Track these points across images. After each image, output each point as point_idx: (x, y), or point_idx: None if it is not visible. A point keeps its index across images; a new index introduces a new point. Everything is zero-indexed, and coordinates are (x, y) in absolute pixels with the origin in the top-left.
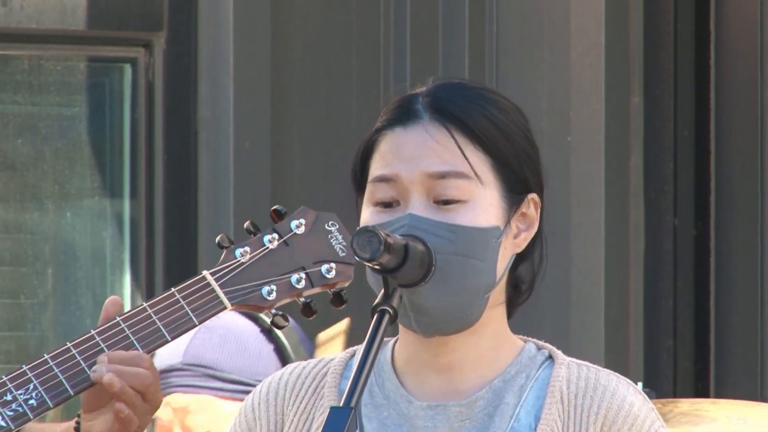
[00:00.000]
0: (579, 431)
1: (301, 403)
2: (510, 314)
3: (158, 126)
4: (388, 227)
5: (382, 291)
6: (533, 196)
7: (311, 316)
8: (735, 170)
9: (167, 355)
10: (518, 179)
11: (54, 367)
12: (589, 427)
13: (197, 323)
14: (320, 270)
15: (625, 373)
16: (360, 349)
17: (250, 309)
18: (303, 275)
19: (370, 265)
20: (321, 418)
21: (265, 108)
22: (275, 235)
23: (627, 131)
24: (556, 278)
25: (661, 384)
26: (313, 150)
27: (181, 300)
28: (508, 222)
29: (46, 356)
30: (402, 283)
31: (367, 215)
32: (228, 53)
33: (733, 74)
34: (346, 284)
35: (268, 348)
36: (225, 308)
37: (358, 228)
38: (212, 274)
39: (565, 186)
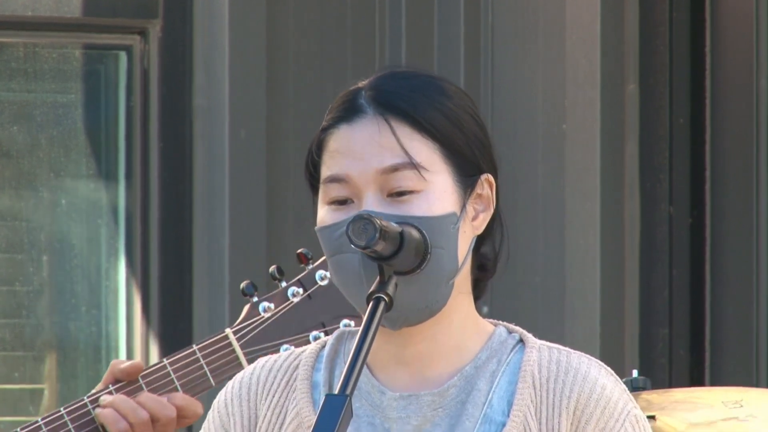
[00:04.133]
0: (551, 415)
1: (273, 396)
2: (478, 295)
3: (153, 114)
4: (341, 227)
5: (377, 278)
6: (486, 176)
7: None
8: (730, 159)
9: None
10: (469, 162)
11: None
12: (561, 411)
13: (214, 384)
14: (339, 326)
15: (620, 361)
16: (329, 339)
17: None
18: (322, 333)
19: (366, 252)
20: (294, 410)
21: (261, 96)
22: (300, 289)
23: (622, 120)
24: (551, 268)
25: (657, 373)
26: (308, 139)
27: (201, 359)
28: (463, 206)
29: (64, 412)
30: (397, 270)
31: (323, 214)
32: (223, 41)
33: (728, 63)
34: None
35: None
36: (243, 368)
37: (353, 215)
38: (235, 332)
39: (560, 175)
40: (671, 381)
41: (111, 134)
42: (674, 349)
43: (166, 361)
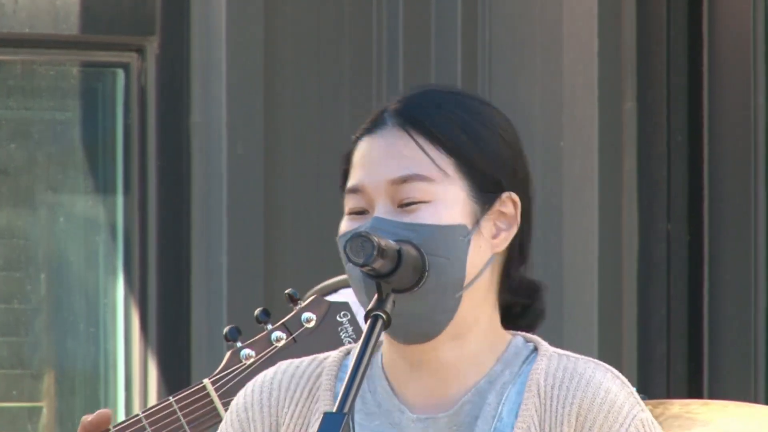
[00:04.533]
0: (555, 423)
1: (296, 405)
2: (519, 324)
3: (151, 131)
4: (353, 231)
5: (376, 296)
6: (509, 194)
7: None
8: (728, 176)
9: None
10: (488, 179)
11: None
12: (564, 419)
13: None
14: None
15: None
16: (354, 350)
17: None
18: None
19: (364, 270)
20: (317, 423)
21: (258, 113)
22: (283, 335)
23: (620, 137)
24: (549, 284)
25: (655, 389)
26: (305, 155)
27: (178, 411)
28: (477, 221)
29: None
30: (395, 288)
31: (342, 224)
32: (220, 58)
33: (726, 80)
34: None
35: None
36: (221, 420)
37: (351, 233)
38: (213, 382)
39: (558, 191)
40: (669, 397)
41: (109, 151)
42: (672, 365)
43: (141, 414)
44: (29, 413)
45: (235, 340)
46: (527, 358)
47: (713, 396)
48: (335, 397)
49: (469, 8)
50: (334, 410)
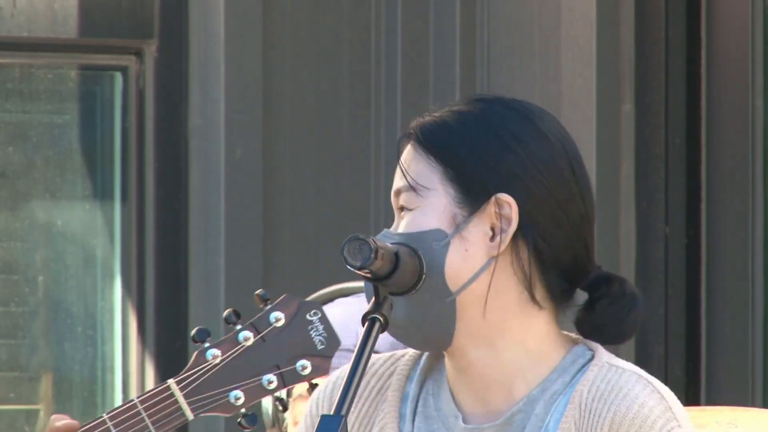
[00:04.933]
0: None
1: (364, 404)
2: (585, 325)
3: (149, 134)
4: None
5: (373, 299)
6: (501, 196)
7: (284, 411)
8: (726, 178)
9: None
10: (474, 183)
11: None
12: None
13: None
14: (295, 367)
15: None
16: (424, 355)
17: (218, 414)
18: (275, 376)
19: (361, 273)
20: (380, 423)
21: (257, 116)
22: (250, 334)
23: (618, 139)
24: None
25: None
26: (304, 158)
27: (142, 412)
28: (458, 226)
29: None
30: (393, 291)
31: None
32: (219, 61)
33: (724, 82)
34: (324, 377)
35: None
36: (187, 420)
37: (350, 236)
38: (178, 382)
39: None
40: None
41: (107, 154)
42: (670, 368)
43: (105, 416)
44: (27, 416)
45: (204, 341)
46: (582, 367)
47: (711, 398)
48: (405, 399)
49: (468, 11)
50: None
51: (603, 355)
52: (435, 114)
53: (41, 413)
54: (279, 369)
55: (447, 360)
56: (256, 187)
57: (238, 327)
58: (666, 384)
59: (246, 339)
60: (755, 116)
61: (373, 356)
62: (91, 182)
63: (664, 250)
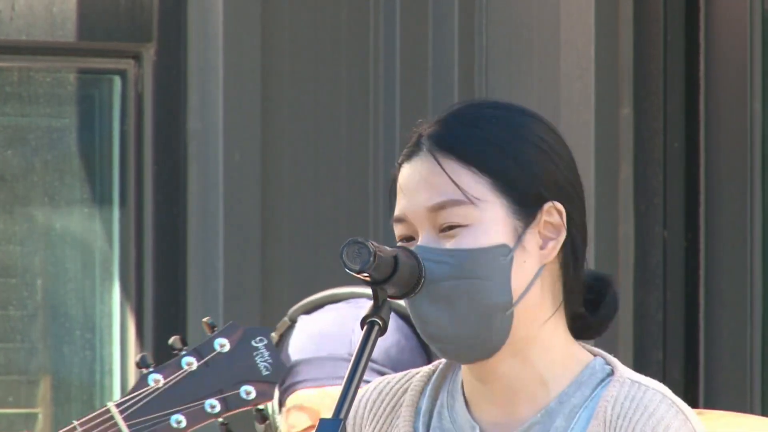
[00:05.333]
0: None
1: (379, 421)
2: (588, 324)
3: (147, 137)
4: (350, 239)
5: (372, 303)
6: (552, 204)
7: (263, 423)
8: (725, 182)
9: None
10: (527, 194)
11: None
12: None
13: None
14: (238, 392)
15: None
16: (440, 366)
17: None
18: (218, 401)
19: (360, 276)
20: None
21: (255, 119)
22: (193, 359)
23: (617, 143)
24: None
25: None
26: (303, 162)
27: None
28: (519, 237)
29: None
30: (392, 294)
31: None
32: (217, 64)
33: (723, 86)
34: (269, 402)
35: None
36: None
37: (348, 240)
38: (118, 405)
39: None
40: None
41: (105, 158)
42: (668, 372)
43: None
44: (25, 419)
45: (147, 367)
46: (602, 381)
47: (709, 403)
48: (417, 414)
49: (466, 15)
50: (410, 425)
51: (623, 369)
52: (449, 122)
53: (40, 417)
54: (222, 393)
55: (467, 372)
56: (255, 191)
57: (183, 353)
58: None
59: (189, 364)
60: (754, 120)
61: (387, 376)
62: (89, 186)
63: (662, 254)
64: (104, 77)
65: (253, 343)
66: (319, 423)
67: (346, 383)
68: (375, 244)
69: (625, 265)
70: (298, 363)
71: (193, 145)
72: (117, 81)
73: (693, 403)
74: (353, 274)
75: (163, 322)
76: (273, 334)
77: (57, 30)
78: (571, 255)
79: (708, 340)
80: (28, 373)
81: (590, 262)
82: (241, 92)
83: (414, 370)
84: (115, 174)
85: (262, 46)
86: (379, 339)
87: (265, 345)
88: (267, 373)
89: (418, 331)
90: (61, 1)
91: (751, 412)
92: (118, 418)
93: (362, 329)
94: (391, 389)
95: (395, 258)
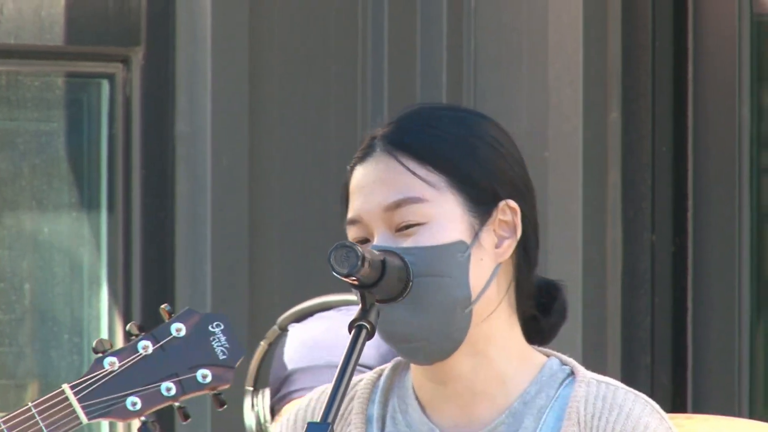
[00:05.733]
0: None
1: None
2: (539, 327)
3: (136, 141)
4: (338, 243)
5: (360, 306)
6: (507, 202)
7: (186, 420)
8: (712, 187)
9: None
10: (483, 190)
11: None
12: None
13: None
14: (195, 376)
15: None
16: (388, 366)
17: (114, 420)
18: (174, 383)
19: (348, 280)
20: None
21: (243, 123)
22: (149, 342)
23: (605, 148)
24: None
25: None
26: (291, 166)
27: (36, 415)
28: (476, 234)
29: None
30: (380, 298)
31: None
32: (206, 68)
33: (711, 91)
34: (226, 387)
35: None
36: (81, 423)
37: (336, 244)
38: (73, 387)
39: (542, 203)
40: None
41: (93, 162)
42: (656, 378)
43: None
44: None
45: (103, 352)
46: (563, 381)
47: (697, 407)
48: (369, 421)
49: (455, 19)
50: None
51: (583, 369)
52: (404, 122)
53: None
54: (178, 377)
55: (422, 375)
56: (243, 195)
57: (139, 337)
58: (652, 393)
59: (145, 348)
60: (742, 125)
61: (328, 385)
62: (77, 190)
63: (650, 259)
64: (92, 81)
65: (210, 328)
66: (308, 427)
67: (334, 387)
68: (363, 247)
69: (613, 270)
70: (293, 372)
71: (182, 148)
72: (105, 85)
73: (681, 408)
74: (341, 277)
75: (151, 326)
76: (263, 342)
77: (45, 34)
78: (524, 255)
79: (696, 345)
80: (15, 378)
81: (578, 268)
82: (230, 96)
83: (355, 378)
84: (103, 178)
85: (250, 50)
86: (377, 344)
87: (222, 330)
88: (224, 357)
89: (379, 332)
90: (49, 5)
91: (739, 415)
92: (73, 399)
93: (350, 333)
94: None
95: (383, 262)
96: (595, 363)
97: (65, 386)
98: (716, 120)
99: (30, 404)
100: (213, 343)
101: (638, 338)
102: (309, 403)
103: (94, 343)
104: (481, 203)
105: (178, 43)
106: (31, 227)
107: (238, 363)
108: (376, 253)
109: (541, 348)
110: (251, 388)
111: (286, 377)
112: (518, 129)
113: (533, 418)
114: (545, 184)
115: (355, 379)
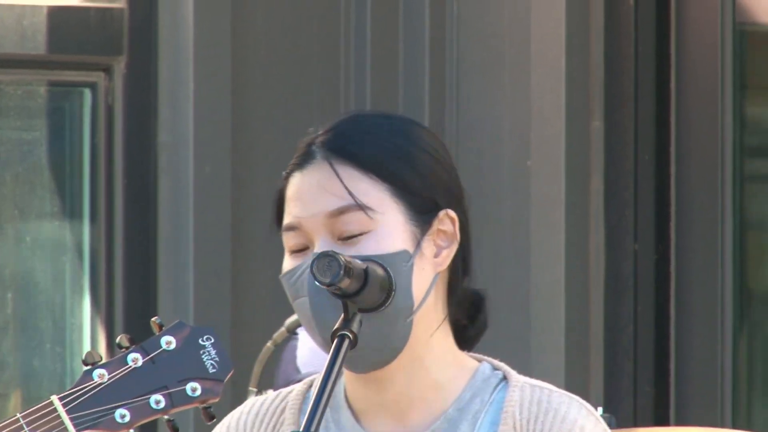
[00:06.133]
0: None
1: None
2: (467, 335)
3: (118, 150)
4: (297, 271)
5: (342, 316)
6: (446, 212)
7: None
8: (695, 195)
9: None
10: (423, 200)
11: None
12: None
13: None
14: (184, 389)
15: (585, 397)
16: (318, 377)
17: (101, 431)
18: (163, 396)
19: (330, 290)
20: None
21: (226, 132)
22: (138, 355)
23: (588, 155)
24: (515, 302)
25: (622, 409)
26: (273, 174)
27: (25, 426)
28: (418, 244)
29: None
30: (362, 307)
31: (285, 262)
32: (188, 77)
33: (693, 99)
34: (215, 400)
35: None
36: None
37: (317, 253)
38: (62, 398)
39: (525, 210)
40: (636, 417)
41: (76, 171)
42: (639, 385)
43: None
44: None
45: (93, 364)
46: (497, 386)
47: (680, 414)
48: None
49: (437, 27)
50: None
51: (516, 374)
52: (344, 130)
53: None
54: (168, 390)
55: (356, 383)
56: (225, 204)
57: (129, 350)
58: (635, 401)
59: (134, 360)
60: (724, 133)
61: (260, 397)
62: (60, 198)
63: (633, 267)
64: (75, 90)
65: (200, 341)
66: None
67: (317, 396)
68: (345, 257)
69: (596, 276)
70: (307, 375)
71: (164, 157)
72: (87, 94)
73: (664, 416)
74: (323, 287)
75: (134, 334)
76: (269, 344)
77: (27, 42)
78: (460, 264)
79: (679, 352)
80: None
81: (561, 274)
82: (212, 105)
83: (286, 390)
84: (85, 186)
85: (233, 59)
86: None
87: (212, 343)
88: (213, 370)
89: (317, 339)
90: (31, 14)
91: (722, 423)
92: (62, 411)
93: (332, 342)
94: (267, 409)
95: (365, 271)
96: (577, 370)
97: (54, 397)
98: (699, 128)
99: (18, 415)
100: (203, 356)
101: (621, 345)
102: (240, 416)
103: (84, 355)
104: (422, 212)
105: (161, 52)
106: (14, 235)
107: (227, 377)
108: (359, 262)
109: (471, 353)
110: (255, 389)
111: (300, 381)
112: (501, 136)
113: (468, 424)
114: (528, 192)
115: (284, 390)
